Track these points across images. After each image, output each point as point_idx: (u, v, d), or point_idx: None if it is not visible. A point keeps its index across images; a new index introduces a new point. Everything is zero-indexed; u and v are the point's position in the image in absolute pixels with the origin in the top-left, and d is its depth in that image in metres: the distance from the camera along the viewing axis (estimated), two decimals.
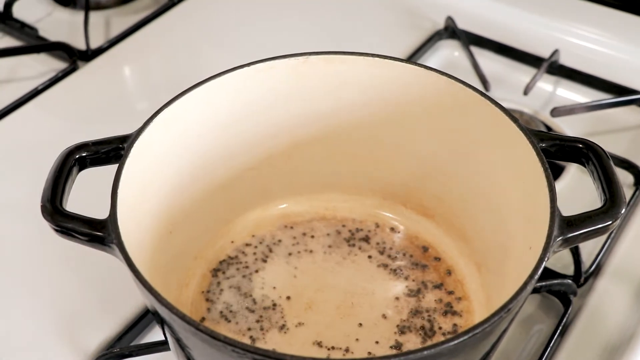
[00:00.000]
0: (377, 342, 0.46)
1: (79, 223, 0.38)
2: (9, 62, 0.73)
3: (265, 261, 0.51)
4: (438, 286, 0.49)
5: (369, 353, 0.45)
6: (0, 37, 0.77)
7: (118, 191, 0.39)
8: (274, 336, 0.46)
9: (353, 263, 0.50)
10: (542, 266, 0.36)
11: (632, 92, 0.67)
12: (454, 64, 0.72)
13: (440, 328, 0.47)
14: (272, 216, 0.53)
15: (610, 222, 0.38)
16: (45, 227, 0.39)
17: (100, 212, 0.39)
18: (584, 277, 0.52)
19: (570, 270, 0.53)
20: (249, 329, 0.47)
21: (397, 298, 0.48)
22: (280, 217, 0.53)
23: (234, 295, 0.48)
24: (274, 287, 0.49)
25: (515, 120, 0.43)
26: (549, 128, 0.65)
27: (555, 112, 0.64)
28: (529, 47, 0.72)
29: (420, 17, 0.77)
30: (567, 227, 0.38)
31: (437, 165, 0.50)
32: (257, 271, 0.50)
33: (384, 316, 0.47)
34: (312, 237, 0.52)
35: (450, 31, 0.74)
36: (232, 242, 0.52)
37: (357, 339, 0.46)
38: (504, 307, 0.35)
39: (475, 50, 0.72)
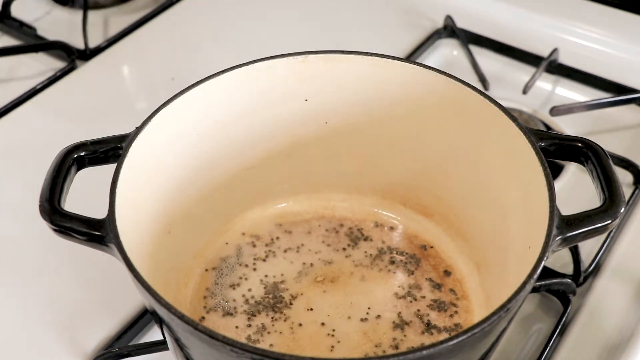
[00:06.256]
0: (376, 341, 0.46)
1: (77, 223, 0.38)
2: (8, 62, 0.72)
3: (264, 260, 0.50)
4: (437, 285, 0.49)
5: (368, 353, 0.45)
6: None
7: (116, 191, 0.39)
8: (273, 335, 0.46)
9: (352, 262, 0.50)
10: (542, 265, 0.36)
11: (631, 90, 0.67)
12: (453, 63, 0.72)
13: (439, 327, 0.46)
14: (271, 215, 0.53)
15: (609, 222, 0.38)
16: (44, 226, 0.39)
17: (98, 212, 0.39)
18: (583, 276, 0.52)
19: (569, 269, 0.53)
20: (248, 329, 0.47)
21: (396, 297, 0.48)
22: (279, 216, 0.53)
23: (233, 295, 0.48)
24: (273, 287, 0.49)
25: (514, 119, 0.43)
26: (548, 127, 0.65)
27: (555, 111, 0.64)
28: (528, 46, 0.72)
29: (419, 16, 0.76)
30: (566, 227, 0.38)
31: (436, 164, 0.50)
32: (255, 270, 0.50)
33: (383, 315, 0.47)
34: (311, 236, 0.52)
35: (450, 30, 0.74)
36: (231, 241, 0.52)
37: (356, 338, 0.46)
38: (503, 307, 0.34)
39: (474, 49, 0.72)
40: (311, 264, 0.50)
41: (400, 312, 0.47)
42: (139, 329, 0.51)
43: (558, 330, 0.49)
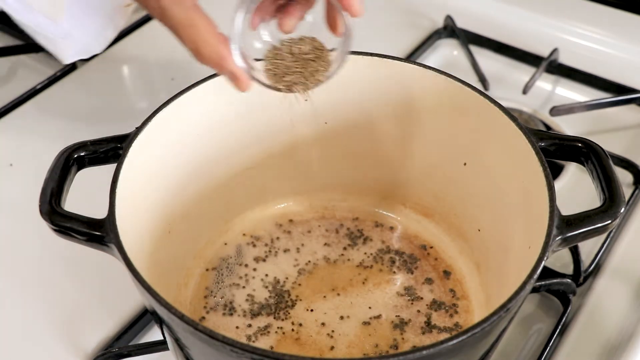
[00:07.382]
0: (375, 341, 0.46)
1: (77, 223, 0.38)
2: (8, 61, 0.72)
3: (264, 260, 0.50)
4: (437, 285, 0.49)
5: (368, 352, 0.45)
6: None
7: (116, 191, 0.39)
8: (273, 335, 0.46)
9: (352, 262, 0.50)
10: (542, 265, 0.36)
11: (631, 90, 0.67)
12: (453, 63, 0.72)
13: (439, 327, 0.46)
14: (271, 215, 0.53)
15: (609, 222, 0.38)
16: (44, 226, 0.39)
17: (98, 212, 0.39)
18: (583, 276, 0.52)
19: (569, 269, 0.53)
20: (248, 329, 0.46)
21: (396, 297, 0.48)
22: (280, 216, 0.53)
23: (233, 295, 0.48)
24: (273, 287, 0.49)
25: (514, 119, 0.43)
26: (548, 127, 0.65)
27: (555, 111, 0.64)
28: (528, 46, 0.72)
29: (420, 16, 0.76)
30: (567, 227, 0.38)
31: (436, 164, 0.50)
32: (256, 270, 0.50)
33: (383, 315, 0.47)
34: (311, 236, 0.52)
35: (450, 30, 0.74)
36: (231, 241, 0.52)
37: (356, 338, 0.46)
38: (503, 307, 0.34)
39: (474, 49, 0.72)
40: (311, 264, 0.50)
41: (400, 312, 0.47)
42: (139, 329, 0.51)
43: (558, 330, 0.49)
